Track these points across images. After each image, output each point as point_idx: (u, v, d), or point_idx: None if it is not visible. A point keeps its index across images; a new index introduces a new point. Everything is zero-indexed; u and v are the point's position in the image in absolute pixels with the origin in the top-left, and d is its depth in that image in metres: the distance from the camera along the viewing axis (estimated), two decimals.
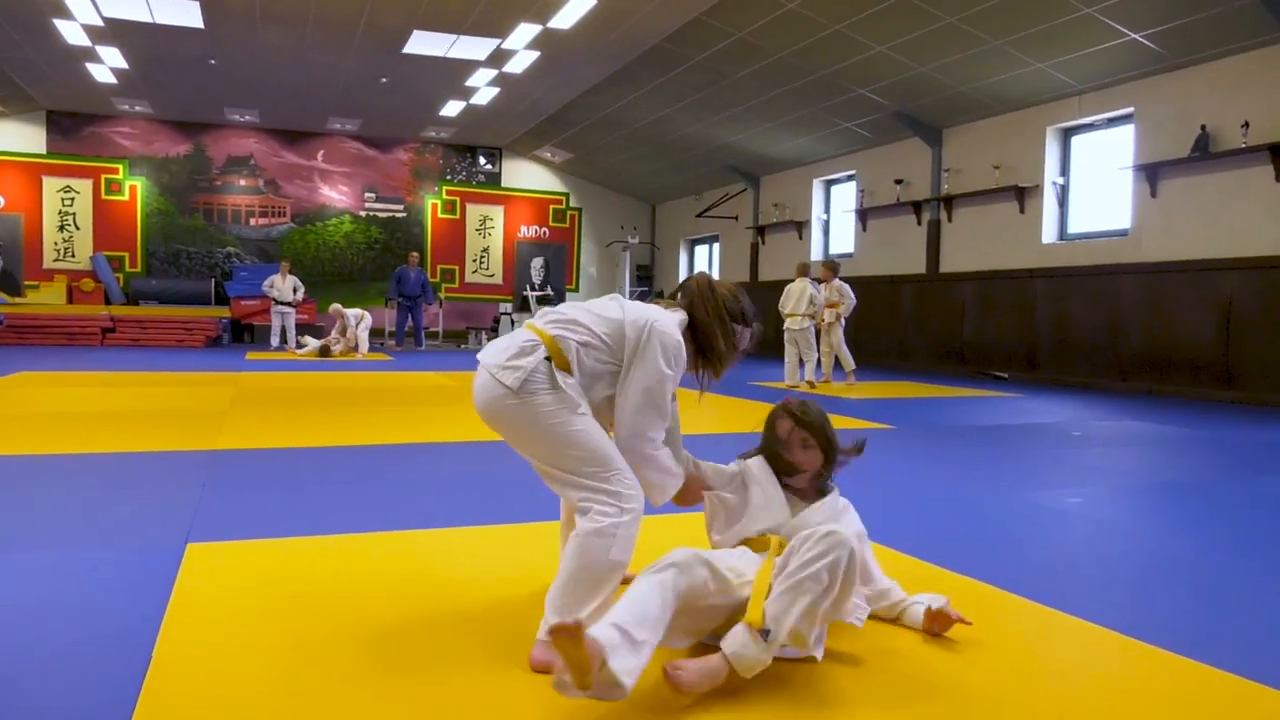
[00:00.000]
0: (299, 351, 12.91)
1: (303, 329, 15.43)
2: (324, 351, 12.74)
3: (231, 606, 2.20)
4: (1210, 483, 4.35)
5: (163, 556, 2.59)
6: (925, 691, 1.79)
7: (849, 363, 9.69)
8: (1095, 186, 10.40)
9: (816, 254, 15.00)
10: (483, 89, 14.53)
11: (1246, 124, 8.32)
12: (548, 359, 1.98)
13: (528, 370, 1.96)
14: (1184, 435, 6.10)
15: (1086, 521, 3.43)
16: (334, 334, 13.38)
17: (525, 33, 11.59)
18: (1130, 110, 9.66)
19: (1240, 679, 1.85)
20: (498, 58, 12.72)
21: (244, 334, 16.97)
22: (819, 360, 9.67)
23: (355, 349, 13.32)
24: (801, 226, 15.25)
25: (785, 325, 9.52)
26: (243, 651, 1.91)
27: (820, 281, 9.75)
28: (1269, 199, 8.27)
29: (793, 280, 9.66)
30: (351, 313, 13.51)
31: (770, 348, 15.58)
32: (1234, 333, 8.45)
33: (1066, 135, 10.67)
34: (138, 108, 16.34)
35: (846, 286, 9.82)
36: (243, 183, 17.80)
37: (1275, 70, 8.20)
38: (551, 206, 19.84)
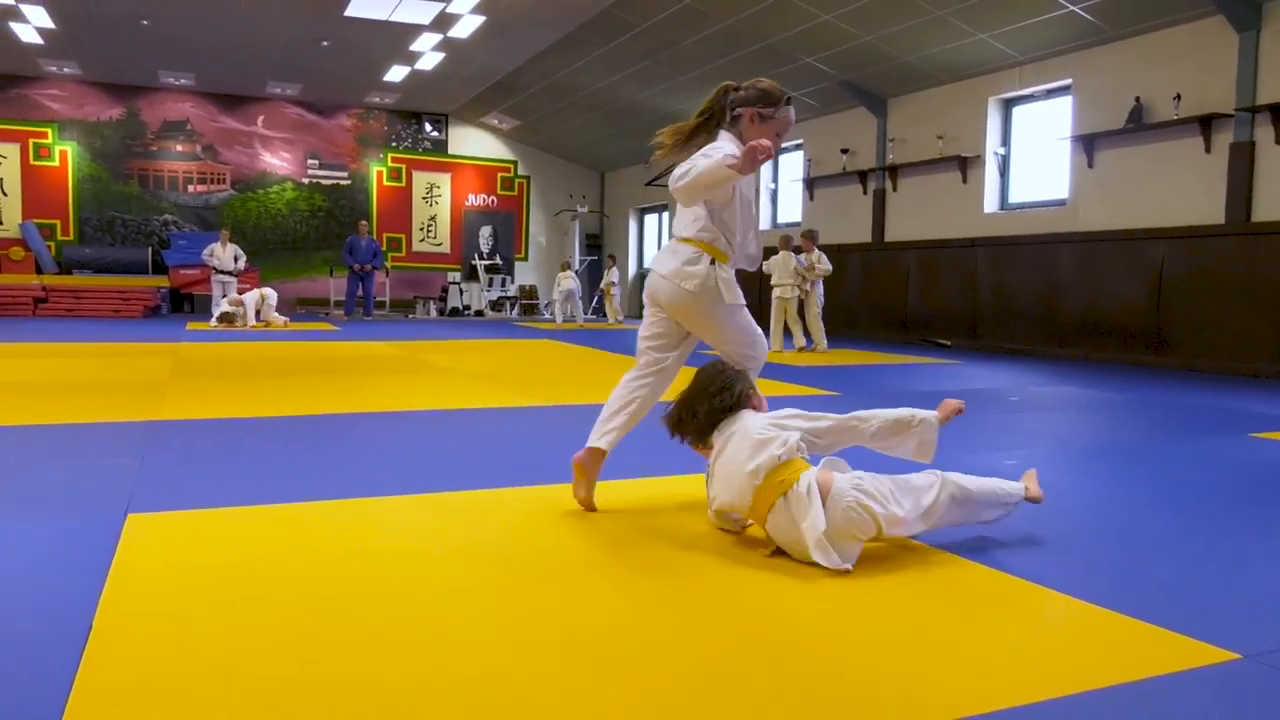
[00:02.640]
0: (212, 323, 12.51)
1: None
2: (225, 319, 12.32)
3: (173, 578, 2.18)
4: (1140, 445, 4.51)
5: (102, 528, 2.55)
6: (848, 644, 1.85)
7: (820, 337, 9.87)
8: (1035, 157, 10.60)
9: (764, 224, 15.08)
10: (427, 54, 14.27)
11: (1178, 96, 8.53)
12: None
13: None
14: (1116, 400, 6.30)
15: None
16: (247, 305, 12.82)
17: None
18: (1068, 82, 9.83)
19: (1161, 629, 1.95)
20: (442, 21, 12.50)
21: (184, 304, 16.59)
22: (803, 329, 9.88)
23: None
24: None
25: (774, 294, 9.80)
26: (185, 624, 1.90)
27: (799, 251, 9.96)
28: (1199, 169, 8.51)
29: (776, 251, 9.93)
30: (249, 297, 12.66)
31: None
32: (1164, 300, 8.72)
33: (1007, 106, 10.84)
34: (66, 69, 15.76)
35: (823, 255, 10.05)
36: (179, 148, 17.31)
37: (1206, 44, 8.41)
38: (499, 174, 19.63)
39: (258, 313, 12.52)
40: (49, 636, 1.81)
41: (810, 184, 13.67)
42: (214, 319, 12.52)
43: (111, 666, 1.67)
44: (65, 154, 16.58)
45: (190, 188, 17.48)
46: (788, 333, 9.92)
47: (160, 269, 16.45)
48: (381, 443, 4.12)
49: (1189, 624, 1.97)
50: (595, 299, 17.48)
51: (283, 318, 13.07)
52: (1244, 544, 2.69)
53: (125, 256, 16.40)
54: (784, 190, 15.01)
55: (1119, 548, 2.64)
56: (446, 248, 19.26)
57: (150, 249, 16.75)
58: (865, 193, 12.61)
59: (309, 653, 1.76)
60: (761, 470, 2.38)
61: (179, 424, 4.44)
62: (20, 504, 2.91)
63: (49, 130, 16.44)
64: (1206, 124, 8.34)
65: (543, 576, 2.26)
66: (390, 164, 18.77)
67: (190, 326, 12.40)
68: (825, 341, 9.82)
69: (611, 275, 15.61)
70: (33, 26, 13.03)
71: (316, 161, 18.27)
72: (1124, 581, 2.30)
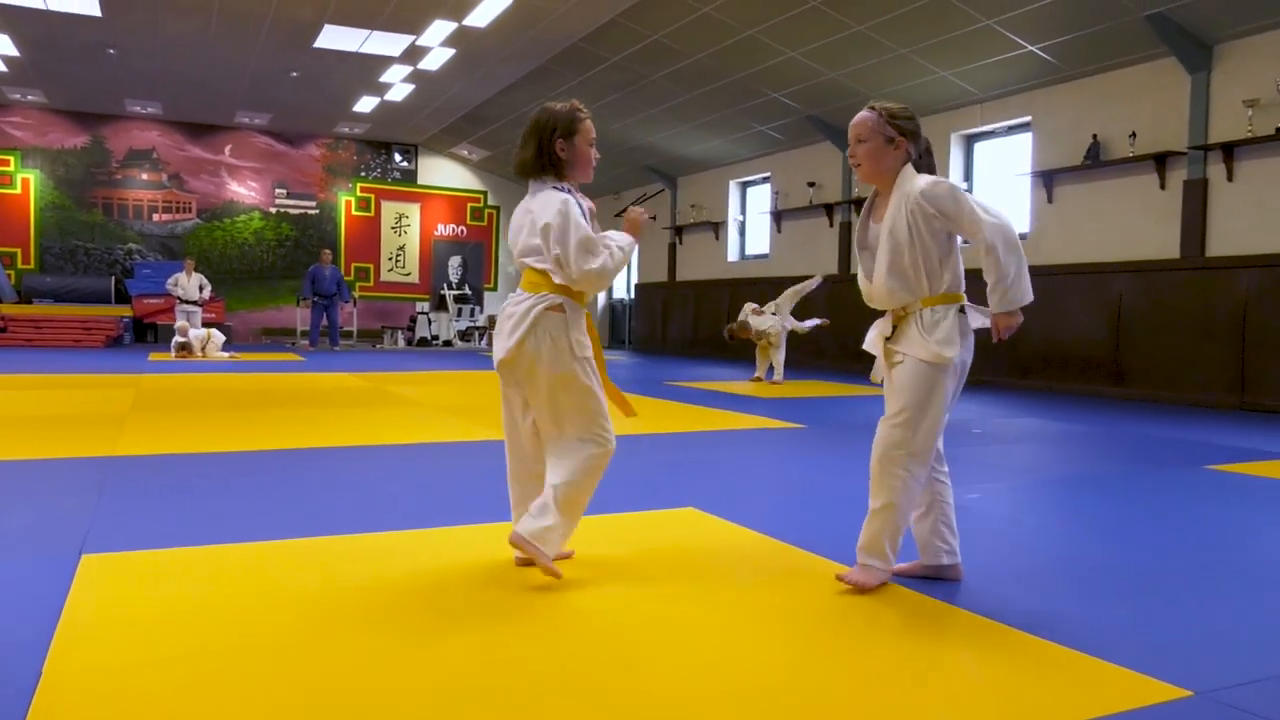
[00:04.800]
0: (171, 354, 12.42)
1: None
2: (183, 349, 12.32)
3: (129, 621, 2.14)
4: (1099, 477, 4.57)
5: (54, 569, 2.51)
6: (806, 680, 1.86)
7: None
8: (996, 191, 10.80)
9: (734, 255, 15.21)
10: (397, 85, 14.32)
11: (1134, 134, 8.75)
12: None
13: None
14: (1078, 431, 6.39)
15: (983, 517, 3.58)
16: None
17: (440, 29, 11.47)
18: (1028, 119, 10.06)
19: (1114, 665, 1.97)
20: (412, 54, 12.56)
21: (147, 334, 16.38)
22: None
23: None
24: (718, 227, 15.43)
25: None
26: (139, 671, 1.86)
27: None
28: (1155, 205, 8.72)
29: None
30: (195, 335, 12.69)
31: (686, 349, 15.73)
32: (1123, 332, 8.88)
33: (969, 142, 11.05)
34: (30, 97, 15.61)
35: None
36: (145, 177, 17.17)
37: (1159, 84, 8.65)
38: (469, 204, 19.66)
39: (202, 346, 12.53)
40: None
41: (778, 216, 13.82)
42: (172, 350, 12.37)
43: (61, 715, 1.63)
44: (27, 182, 16.38)
45: (155, 216, 17.31)
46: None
47: (123, 298, 16.24)
48: (346, 479, 4.09)
49: (1142, 660, 2.00)
50: None
51: (226, 353, 12.90)
52: (1199, 578, 2.73)
53: (87, 285, 16.17)
54: (752, 222, 15.15)
55: (1075, 583, 2.67)
56: (415, 278, 19.20)
57: (113, 278, 16.54)
58: (831, 225, 12.77)
59: (270, 700, 1.73)
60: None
61: (138, 459, 4.37)
62: None
63: (11, 158, 16.24)
64: (1161, 161, 8.56)
65: (510, 612, 2.24)
66: (359, 194, 18.74)
67: (153, 357, 12.24)
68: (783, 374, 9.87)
69: None
70: None
71: (284, 191, 18.19)
72: (1081, 617, 2.32)
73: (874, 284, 2.58)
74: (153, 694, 1.74)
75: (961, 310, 2.51)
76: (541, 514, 2.47)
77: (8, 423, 5.61)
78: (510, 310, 2.54)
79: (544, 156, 2.55)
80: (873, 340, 2.65)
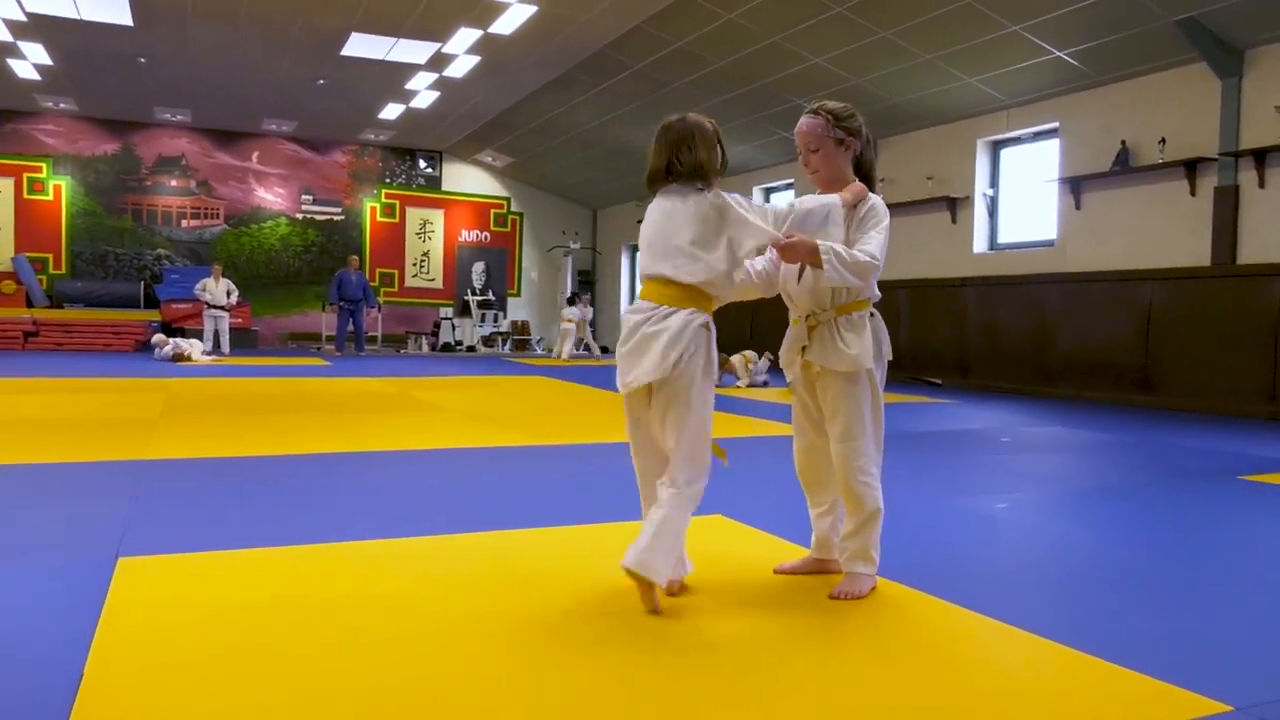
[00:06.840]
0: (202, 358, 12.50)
1: (237, 334, 15.14)
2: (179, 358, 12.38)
3: (168, 624, 2.17)
4: (1131, 487, 4.52)
5: (92, 572, 2.54)
6: (839, 690, 1.85)
7: None
8: (1023, 198, 10.73)
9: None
10: (422, 92, 14.42)
11: (1163, 140, 8.67)
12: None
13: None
14: (1107, 440, 6.32)
15: (1012, 527, 3.55)
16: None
17: (466, 37, 11.55)
18: (1055, 125, 9.98)
19: (1152, 679, 1.95)
20: (438, 61, 12.65)
21: (176, 338, 16.55)
22: None
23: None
24: None
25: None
26: (179, 672, 1.89)
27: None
28: (1185, 212, 8.62)
29: None
30: (180, 342, 12.74)
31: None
32: (1152, 340, 8.79)
33: (995, 148, 10.98)
34: (62, 105, 15.86)
35: None
36: (174, 183, 17.38)
37: (1189, 89, 8.56)
38: (493, 210, 19.75)
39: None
40: (38, 686, 1.79)
41: None
42: (170, 359, 12.33)
43: (104, 717, 1.66)
44: (59, 188, 16.63)
45: (184, 222, 17.52)
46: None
47: (152, 303, 16.44)
48: (376, 484, 4.11)
49: (1180, 674, 1.98)
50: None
51: (207, 356, 12.99)
52: (1236, 591, 2.70)
53: (117, 290, 16.39)
54: None
55: (1110, 594, 2.64)
56: (439, 283, 19.31)
57: (142, 283, 16.75)
58: None
59: (308, 701, 1.75)
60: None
61: (170, 463, 4.42)
62: (6, 547, 2.88)
63: (43, 164, 16.49)
64: (1191, 168, 8.47)
65: (547, 623, 2.25)
66: (384, 200, 18.87)
67: (181, 361, 12.37)
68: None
69: (573, 313, 16.02)
70: (30, 63, 13.13)
71: (310, 197, 18.36)
72: (1114, 629, 2.30)
73: (799, 279, 2.59)
74: (194, 696, 1.75)
75: (872, 315, 2.55)
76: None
77: (42, 426, 5.69)
78: (655, 328, 2.32)
79: (716, 163, 2.51)
80: (788, 351, 2.65)
